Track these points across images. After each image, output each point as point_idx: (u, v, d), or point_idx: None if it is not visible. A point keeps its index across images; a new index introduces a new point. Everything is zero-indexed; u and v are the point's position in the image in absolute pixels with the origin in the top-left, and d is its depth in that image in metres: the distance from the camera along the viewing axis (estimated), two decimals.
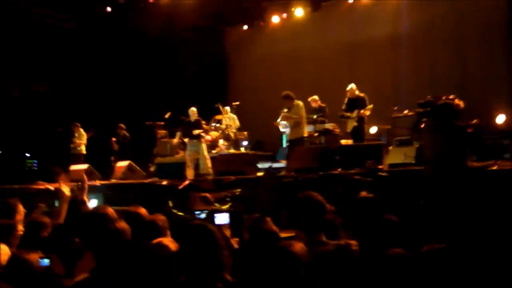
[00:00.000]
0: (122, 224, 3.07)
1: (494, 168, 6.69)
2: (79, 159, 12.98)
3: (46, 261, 3.07)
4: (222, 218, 3.05)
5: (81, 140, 13.33)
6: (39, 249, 3.20)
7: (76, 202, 4.28)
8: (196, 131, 10.85)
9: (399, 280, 2.28)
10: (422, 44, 13.07)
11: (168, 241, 3.20)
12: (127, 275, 1.67)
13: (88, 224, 3.10)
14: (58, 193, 4.48)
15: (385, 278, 2.33)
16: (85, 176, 4.42)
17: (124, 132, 13.40)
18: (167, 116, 13.14)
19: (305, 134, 10.22)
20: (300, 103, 10.03)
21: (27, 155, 13.73)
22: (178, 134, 11.91)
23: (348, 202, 2.88)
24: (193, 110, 11.26)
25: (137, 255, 2.60)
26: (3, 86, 13.37)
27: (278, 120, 10.32)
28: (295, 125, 10.00)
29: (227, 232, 3.09)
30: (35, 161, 13.58)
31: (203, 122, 11.45)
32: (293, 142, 10.02)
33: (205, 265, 2.41)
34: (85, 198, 4.30)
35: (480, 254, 2.50)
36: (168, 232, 3.66)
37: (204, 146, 10.87)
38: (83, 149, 13.34)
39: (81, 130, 13.39)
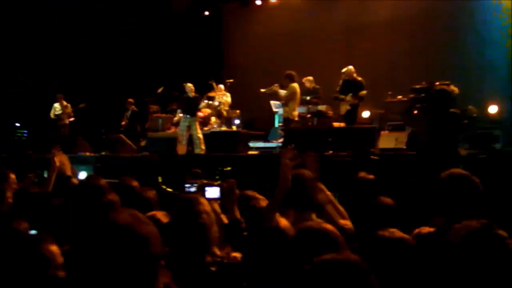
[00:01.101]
0: (112, 196, 3.07)
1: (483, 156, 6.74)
2: (62, 130, 12.91)
3: (33, 231, 3.05)
4: (213, 192, 3.03)
5: (65, 111, 13.23)
6: (27, 218, 3.17)
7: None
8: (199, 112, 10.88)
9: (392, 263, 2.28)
10: (420, 30, 13.00)
11: (161, 215, 3.19)
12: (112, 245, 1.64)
13: (78, 194, 3.09)
14: (48, 163, 4.48)
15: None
16: (54, 157, 4.43)
17: (133, 107, 13.26)
18: (159, 90, 13.02)
19: (295, 116, 10.25)
20: (296, 87, 10.10)
21: (17, 124, 13.61)
22: (179, 111, 11.82)
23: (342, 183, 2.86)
24: (190, 86, 11.05)
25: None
26: None
27: (264, 89, 10.41)
28: (286, 105, 10.15)
29: (217, 207, 3.07)
30: (25, 131, 13.48)
31: None
32: (284, 121, 10.20)
33: (194, 237, 2.40)
34: (69, 173, 4.38)
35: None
36: (159, 206, 3.65)
37: (197, 124, 10.78)
38: (65, 120, 13.26)
39: (64, 102, 13.30)
